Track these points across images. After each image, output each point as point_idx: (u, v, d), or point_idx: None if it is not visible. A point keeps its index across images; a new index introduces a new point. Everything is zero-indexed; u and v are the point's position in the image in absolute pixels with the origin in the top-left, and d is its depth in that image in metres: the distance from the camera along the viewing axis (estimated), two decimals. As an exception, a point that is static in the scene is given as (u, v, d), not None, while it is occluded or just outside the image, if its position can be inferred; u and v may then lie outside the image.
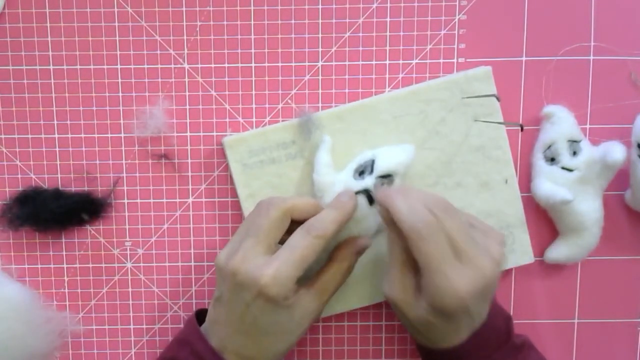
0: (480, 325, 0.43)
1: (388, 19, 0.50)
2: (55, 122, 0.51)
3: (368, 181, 0.47)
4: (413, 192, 0.42)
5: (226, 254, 0.44)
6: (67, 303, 0.53)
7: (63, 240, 0.52)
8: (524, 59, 0.50)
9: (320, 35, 0.50)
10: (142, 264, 0.52)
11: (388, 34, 0.50)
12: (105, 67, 0.50)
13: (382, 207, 0.43)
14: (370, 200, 0.47)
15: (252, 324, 0.43)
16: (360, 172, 0.47)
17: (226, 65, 0.50)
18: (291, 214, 0.44)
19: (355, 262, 0.47)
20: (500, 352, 0.44)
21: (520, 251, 0.51)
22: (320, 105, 0.51)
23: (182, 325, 0.52)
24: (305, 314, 0.44)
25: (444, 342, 0.43)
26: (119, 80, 0.50)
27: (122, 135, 0.51)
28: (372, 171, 0.47)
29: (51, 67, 0.50)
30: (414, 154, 0.48)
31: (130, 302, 0.53)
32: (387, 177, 0.47)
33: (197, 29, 0.50)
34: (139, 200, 0.51)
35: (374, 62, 0.50)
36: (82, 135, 0.51)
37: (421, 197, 0.42)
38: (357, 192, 0.46)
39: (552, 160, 0.49)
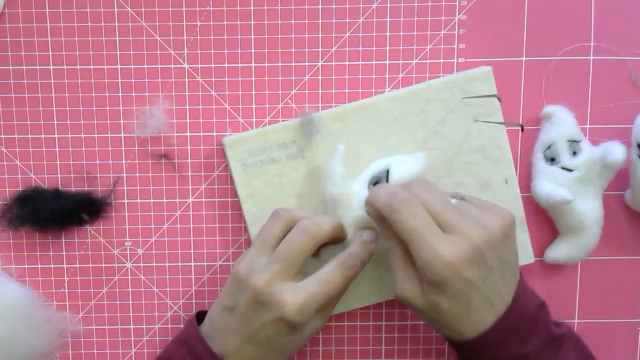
0: (505, 311, 0.42)
1: (388, 19, 0.50)
2: (55, 122, 0.51)
3: None
4: (394, 184, 0.44)
5: (247, 268, 0.44)
6: (67, 303, 0.53)
7: (63, 240, 0.52)
8: (524, 59, 0.50)
9: (320, 35, 0.50)
10: (142, 264, 0.52)
11: (388, 34, 0.50)
12: (105, 67, 0.50)
13: (368, 206, 0.43)
14: None
15: (264, 341, 0.44)
16: (375, 183, 0.47)
17: (226, 65, 0.50)
18: (323, 241, 0.45)
19: None
20: (534, 340, 0.42)
21: (520, 251, 0.50)
22: (320, 105, 0.51)
23: (182, 326, 0.52)
24: (313, 331, 0.46)
25: (467, 327, 0.42)
26: (119, 80, 0.50)
27: (122, 135, 0.51)
28: (387, 182, 0.46)
29: (51, 67, 0.50)
30: (426, 163, 0.48)
31: (130, 302, 0.53)
32: None
33: (197, 29, 0.50)
34: (139, 200, 0.51)
35: (374, 62, 0.50)
36: (82, 135, 0.51)
37: (402, 184, 0.43)
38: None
39: (552, 160, 0.49)
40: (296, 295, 0.42)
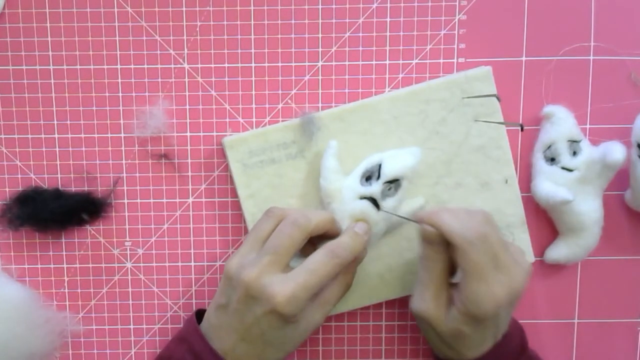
0: (502, 337, 0.45)
1: (388, 19, 0.50)
2: (55, 122, 0.51)
3: (375, 187, 0.46)
4: (456, 209, 0.44)
5: (238, 264, 0.44)
6: (67, 303, 0.53)
7: (63, 240, 0.52)
8: (524, 59, 0.50)
9: (320, 35, 0.50)
10: (142, 264, 0.52)
11: (388, 34, 0.50)
12: (105, 67, 0.50)
13: (424, 226, 0.43)
14: (377, 205, 0.46)
15: (259, 336, 0.44)
16: (367, 178, 0.47)
17: (226, 65, 0.50)
18: (312, 233, 0.45)
19: (355, 273, 0.48)
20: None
21: (520, 251, 0.51)
22: (320, 105, 0.51)
23: (181, 326, 0.52)
24: (309, 326, 0.45)
25: (469, 352, 0.44)
26: (119, 80, 0.50)
27: (122, 135, 0.51)
28: (379, 176, 0.47)
29: (51, 67, 0.50)
30: (420, 157, 0.48)
31: (130, 302, 0.53)
32: (394, 182, 0.47)
33: (197, 29, 0.50)
34: (139, 200, 0.51)
35: (374, 62, 0.50)
36: (82, 135, 0.51)
37: (465, 211, 0.44)
38: (363, 198, 0.46)
39: (552, 160, 0.49)
40: (285, 286, 0.42)
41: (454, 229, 0.42)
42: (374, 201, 0.46)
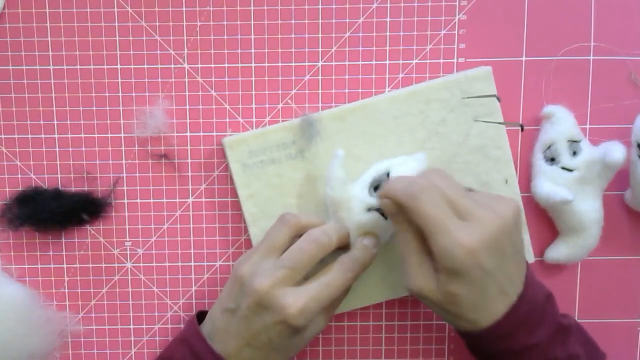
0: (518, 298, 0.42)
1: (388, 19, 0.50)
2: (55, 122, 0.51)
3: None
4: (412, 176, 0.44)
5: (251, 271, 0.44)
6: (67, 303, 0.53)
7: (63, 240, 0.52)
8: (524, 59, 0.50)
9: (320, 35, 0.50)
10: (142, 264, 0.52)
11: (388, 34, 0.50)
12: (105, 67, 0.50)
13: (382, 201, 0.43)
14: (385, 215, 0.46)
15: (265, 343, 0.44)
16: (376, 187, 0.47)
17: (226, 65, 0.50)
18: (331, 250, 0.45)
19: None
20: (543, 329, 0.43)
21: (520, 251, 0.51)
22: (320, 105, 0.51)
23: (182, 325, 0.52)
24: (314, 332, 0.46)
25: (479, 318, 0.42)
26: (119, 80, 0.50)
27: (122, 135, 0.51)
28: None
29: (51, 67, 0.50)
30: (426, 163, 0.47)
31: (130, 302, 0.53)
32: None
33: (197, 29, 0.50)
34: (139, 200, 0.51)
35: (374, 62, 0.50)
36: (82, 135, 0.51)
37: (420, 175, 0.44)
38: (371, 209, 0.46)
39: (552, 160, 0.49)
40: (298, 299, 0.42)
41: (396, 188, 0.42)
42: (382, 212, 0.46)
